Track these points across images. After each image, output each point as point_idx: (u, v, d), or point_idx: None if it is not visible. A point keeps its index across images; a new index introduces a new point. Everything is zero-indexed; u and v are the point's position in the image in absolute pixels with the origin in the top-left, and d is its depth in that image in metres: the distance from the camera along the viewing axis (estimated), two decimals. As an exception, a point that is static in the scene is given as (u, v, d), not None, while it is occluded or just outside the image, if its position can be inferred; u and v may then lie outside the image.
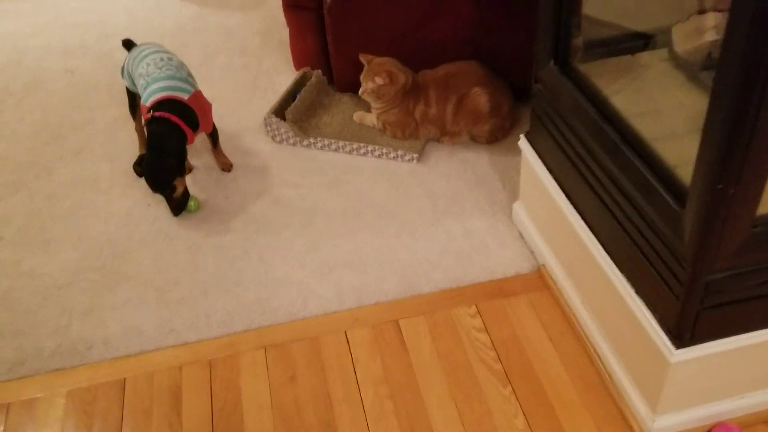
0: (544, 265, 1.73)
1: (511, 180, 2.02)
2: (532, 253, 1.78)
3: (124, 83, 2.10)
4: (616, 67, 1.49)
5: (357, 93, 2.28)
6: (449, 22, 2.11)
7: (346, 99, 2.34)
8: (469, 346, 1.58)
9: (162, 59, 1.99)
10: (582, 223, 1.46)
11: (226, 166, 2.12)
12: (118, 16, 3.07)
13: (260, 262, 1.82)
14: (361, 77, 2.11)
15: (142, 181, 2.09)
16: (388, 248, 1.83)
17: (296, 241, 1.87)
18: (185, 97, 1.93)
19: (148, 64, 1.97)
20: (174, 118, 1.88)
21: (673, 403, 1.28)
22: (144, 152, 1.92)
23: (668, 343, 1.18)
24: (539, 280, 1.72)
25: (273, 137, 2.23)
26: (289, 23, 2.36)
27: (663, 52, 1.49)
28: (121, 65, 2.09)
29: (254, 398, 1.51)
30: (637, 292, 1.27)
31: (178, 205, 1.93)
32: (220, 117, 2.35)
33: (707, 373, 1.24)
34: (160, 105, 1.89)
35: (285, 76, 2.55)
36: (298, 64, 2.45)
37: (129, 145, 2.26)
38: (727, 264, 1.07)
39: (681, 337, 1.17)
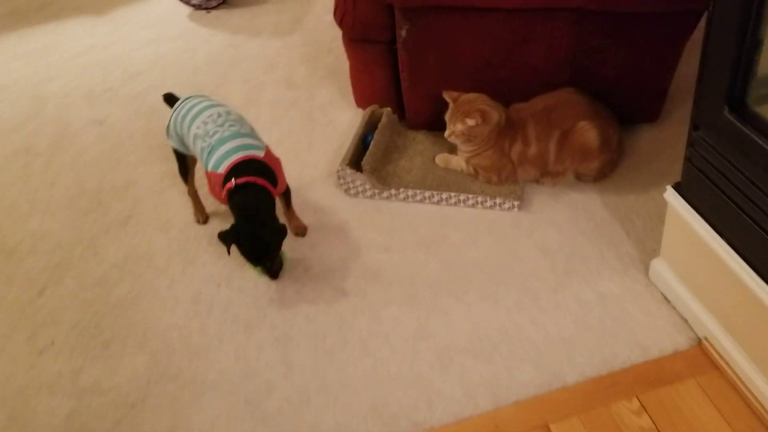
0: (706, 338, 1.45)
1: (633, 225, 1.74)
2: (686, 322, 1.51)
3: (170, 144, 1.82)
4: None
5: (432, 130, 2.02)
6: (544, 47, 1.82)
7: (421, 138, 2.06)
8: (641, 454, 1.31)
9: (219, 114, 1.71)
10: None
11: (301, 230, 1.85)
12: (141, 51, 2.78)
13: (364, 352, 1.55)
14: (447, 117, 1.83)
15: (205, 254, 1.82)
16: (513, 325, 1.56)
17: (402, 322, 1.60)
18: (260, 154, 1.66)
19: (205, 123, 1.69)
20: (260, 181, 1.63)
21: None
22: (236, 223, 1.62)
23: None
24: (704, 358, 1.45)
25: (347, 190, 1.95)
26: (352, 57, 2.06)
27: None
28: (166, 124, 1.80)
29: None
30: None
31: (278, 269, 1.72)
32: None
33: None
34: (238, 169, 1.62)
35: (344, 111, 2.26)
36: (362, 100, 2.16)
37: (181, 209, 1.98)
38: None
39: None
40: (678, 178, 1.42)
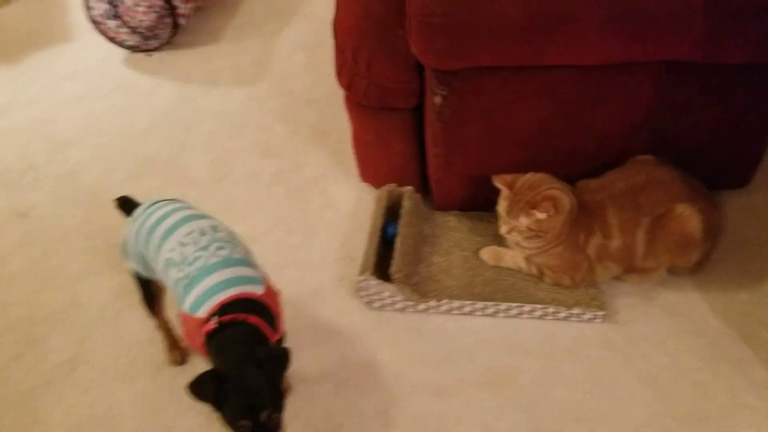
0: None
1: (760, 339, 1.35)
2: None
3: (128, 266, 1.32)
4: None
5: (464, 212, 1.58)
6: (618, 109, 1.41)
7: (454, 222, 1.61)
8: None
9: (203, 231, 1.22)
10: None
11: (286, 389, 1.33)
12: (69, 111, 2.22)
13: None
14: (502, 209, 1.39)
15: (188, 414, 1.31)
16: None
17: None
18: (259, 291, 1.17)
19: (182, 243, 1.20)
20: (253, 319, 1.13)
21: None
22: (218, 368, 1.09)
23: None
24: None
25: (369, 303, 1.49)
26: (359, 125, 1.60)
27: None
28: (123, 239, 1.30)
29: None
30: None
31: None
32: (273, 271, 1.59)
33: None
34: (225, 310, 1.13)
35: (344, 186, 1.79)
36: (371, 176, 1.70)
37: (148, 344, 1.46)
38: None
39: None
40: None
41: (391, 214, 1.60)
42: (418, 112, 1.50)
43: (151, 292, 1.36)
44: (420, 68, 1.39)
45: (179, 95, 2.23)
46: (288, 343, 1.41)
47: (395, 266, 1.44)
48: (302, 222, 1.71)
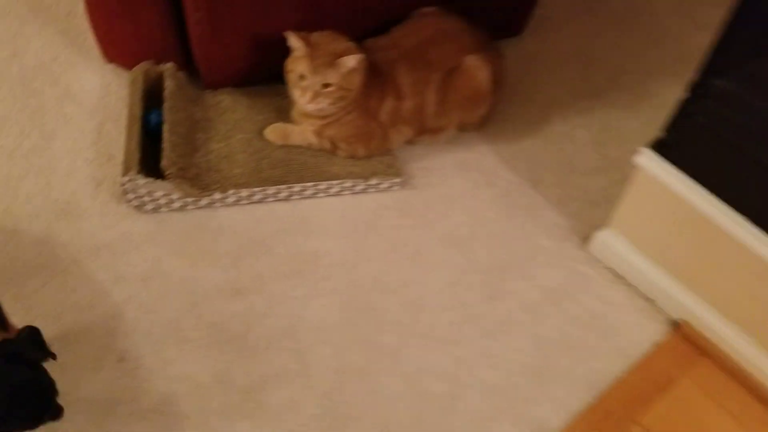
0: (685, 320, 1.19)
1: (546, 184, 1.37)
2: (653, 301, 1.22)
3: None
4: None
5: (238, 88, 1.39)
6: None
7: (228, 102, 1.40)
8: (678, 505, 1.02)
9: None
10: None
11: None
12: None
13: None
14: (301, 71, 1.20)
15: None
16: (460, 368, 1.13)
17: (306, 411, 1.07)
18: None
19: None
20: None
21: None
22: None
23: None
24: (688, 345, 1.18)
25: (141, 206, 1.26)
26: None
27: None
28: None
29: None
30: None
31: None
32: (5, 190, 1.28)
33: None
34: None
35: (84, 71, 1.47)
36: (117, 53, 1.39)
37: None
38: None
39: None
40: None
41: (151, 98, 1.34)
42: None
43: None
44: None
45: None
46: (45, 275, 1.16)
47: (166, 159, 1.21)
48: (36, 120, 1.38)
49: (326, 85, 1.21)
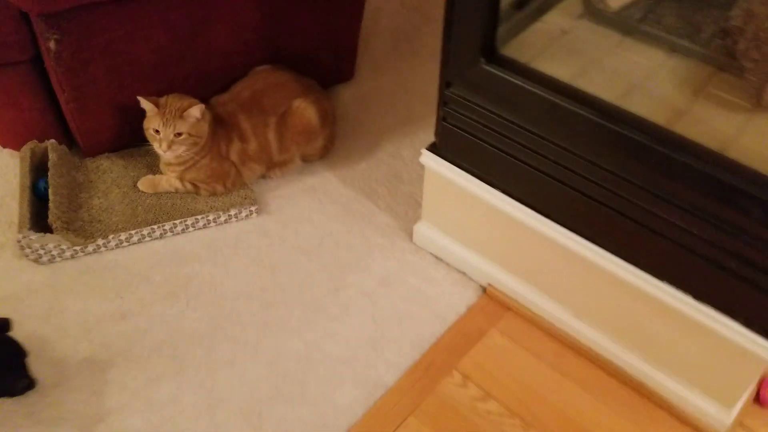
0: (490, 285, 1.47)
1: (378, 195, 1.67)
2: (465, 274, 1.51)
3: None
4: (536, 42, 1.23)
5: (116, 150, 1.66)
6: (229, 27, 1.58)
7: (107, 165, 1.67)
8: (487, 427, 1.28)
9: None
10: (573, 235, 1.23)
11: None
12: None
13: (154, 457, 1.22)
14: (156, 126, 1.48)
15: None
16: (310, 348, 1.38)
17: (184, 399, 1.30)
18: None
19: None
20: None
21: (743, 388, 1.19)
22: None
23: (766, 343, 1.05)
24: (494, 303, 1.46)
25: (37, 259, 1.50)
26: (-23, 87, 1.54)
27: (575, 9, 1.26)
28: None
29: None
30: (701, 300, 1.11)
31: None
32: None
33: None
34: None
35: (-16, 158, 1.72)
36: (9, 139, 1.65)
37: None
38: None
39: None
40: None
41: (40, 170, 1.60)
42: (39, 62, 1.50)
43: None
44: (24, 16, 1.40)
45: None
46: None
47: (51, 215, 1.47)
48: (-56, 202, 1.62)
49: (178, 135, 1.48)
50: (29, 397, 1.29)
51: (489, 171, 1.30)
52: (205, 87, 1.62)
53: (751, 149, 1.02)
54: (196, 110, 1.48)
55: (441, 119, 1.30)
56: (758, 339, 1.07)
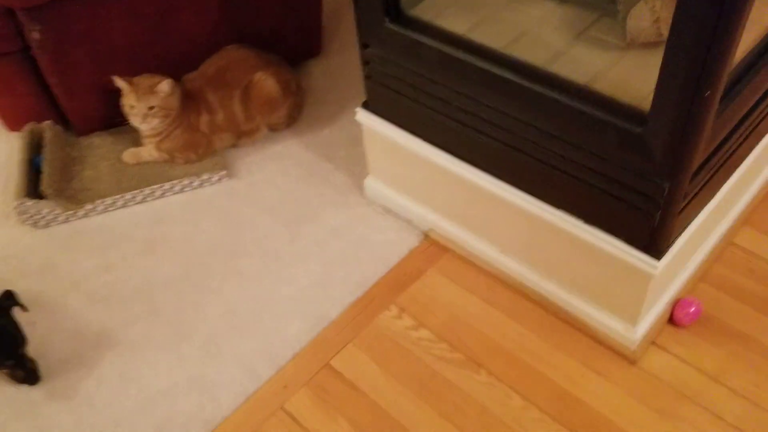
0: (431, 230, 1.60)
1: (337, 156, 1.82)
2: (410, 222, 1.64)
3: None
4: (445, 2, 1.36)
5: (109, 128, 1.86)
6: (194, 13, 1.76)
7: (98, 142, 1.87)
8: (417, 351, 1.42)
9: None
10: (485, 175, 1.35)
11: None
12: None
13: (125, 381, 1.41)
14: (130, 103, 1.67)
15: None
16: (266, 290, 1.55)
17: (155, 336, 1.48)
18: None
19: None
20: None
21: (648, 307, 1.29)
22: None
23: (648, 259, 1.16)
24: (435, 246, 1.60)
25: (35, 224, 1.71)
26: (-19, 77, 1.77)
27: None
28: None
29: None
30: (589, 222, 1.22)
31: (34, 367, 1.42)
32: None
33: (676, 265, 1.25)
34: None
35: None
36: (14, 123, 1.88)
37: None
38: (700, 161, 1.05)
39: (660, 249, 1.15)
40: (357, 100, 1.51)
41: (39, 148, 1.82)
42: (28, 52, 1.72)
43: None
44: (10, 12, 1.61)
45: None
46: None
47: (44, 184, 1.68)
48: (-39, 181, 1.86)
49: (150, 108, 1.67)
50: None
51: (412, 123, 1.44)
52: (177, 67, 1.80)
53: (615, 82, 1.13)
54: (165, 85, 1.66)
55: (366, 77, 1.44)
56: (640, 255, 1.17)
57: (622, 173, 1.09)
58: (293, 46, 1.98)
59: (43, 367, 1.43)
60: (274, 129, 1.88)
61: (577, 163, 1.16)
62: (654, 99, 0.95)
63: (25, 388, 1.40)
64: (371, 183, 1.67)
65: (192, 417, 1.34)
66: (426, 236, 1.61)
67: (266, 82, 1.78)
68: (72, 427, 1.35)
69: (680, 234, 1.18)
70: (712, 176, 1.16)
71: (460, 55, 1.21)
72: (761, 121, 1.26)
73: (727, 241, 1.50)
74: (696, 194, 1.14)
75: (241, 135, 1.84)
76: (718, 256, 1.48)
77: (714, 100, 0.92)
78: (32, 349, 1.44)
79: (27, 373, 1.39)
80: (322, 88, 2.01)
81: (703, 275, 1.46)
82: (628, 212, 1.14)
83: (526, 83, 1.14)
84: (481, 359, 1.39)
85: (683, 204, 1.10)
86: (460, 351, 1.41)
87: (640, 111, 1.00)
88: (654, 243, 1.14)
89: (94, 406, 1.38)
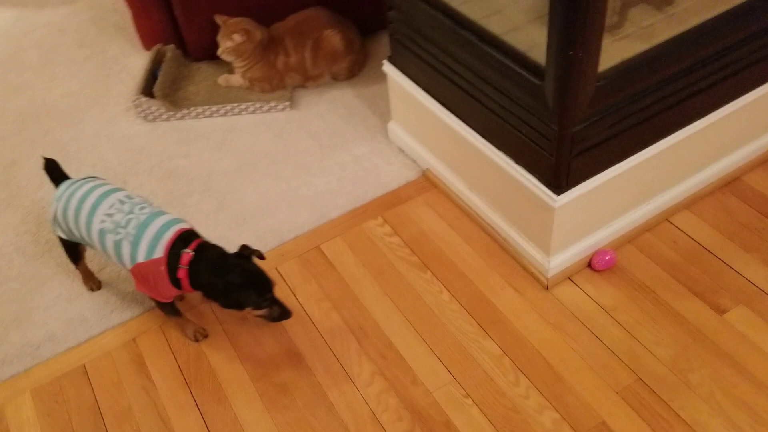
0: (428, 169, 1.98)
1: (378, 106, 2.24)
2: (415, 162, 2.03)
3: (57, 233, 1.62)
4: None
5: (214, 59, 2.38)
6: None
7: (205, 67, 2.42)
8: (386, 250, 1.80)
9: (121, 201, 1.51)
10: (457, 120, 1.71)
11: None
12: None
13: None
14: (218, 38, 2.20)
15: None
16: (291, 189, 2.00)
17: (203, 204, 1.98)
18: (188, 225, 1.51)
19: (109, 214, 1.49)
20: (203, 242, 1.49)
21: (561, 243, 1.59)
22: (222, 272, 1.44)
23: (550, 193, 1.48)
24: (427, 182, 1.97)
25: (146, 117, 2.28)
26: (131, 5, 2.38)
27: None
28: (52, 213, 1.58)
29: (213, 344, 1.65)
30: (516, 161, 1.55)
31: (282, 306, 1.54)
32: (83, 111, 2.36)
33: (583, 210, 1.56)
34: (179, 244, 1.45)
35: (135, 57, 2.56)
36: (147, 42, 2.48)
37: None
38: (584, 115, 1.36)
39: (559, 185, 1.46)
40: None
41: (160, 64, 2.39)
42: (165, -11, 2.29)
43: (77, 251, 1.68)
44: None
45: (16, 16, 2.92)
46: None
47: (156, 88, 2.24)
48: (105, 82, 2.48)
49: (227, 47, 2.19)
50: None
51: (418, 76, 1.82)
52: (270, 16, 2.29)
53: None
54: (237, 36, 2.16)
55: (390, 35, 1.85)
56: (543, 187, 1.49)
57: (531, 117, 1.42)
58: (367, 16, 2.42)
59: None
60: (336, 78, 2.34)
61: (506, 108, 1.49)
62: (546, 57, 1.29)
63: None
64: (392, 126, 2.07)
65: (211, 260, 1.82)
66: (423, 173, 1.99)
67: (333, 38, 2.24)
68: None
69: (584, 180, 1.49)
70: (614, 136, 1.45)
71: (446, 20, 1.58)
72: (680, 102, 1.51)
73: (663, 218, 1.75)
74: (595, 146, 1.44)
75: (308, 78, 2.31)
76: (651, 227, 1.74)
77: (585, 62, 1.24)
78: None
79: (282, 309, 1.51)
80: (384, 54, 2.43)
81: (632, 238, 1.72)
82: (535, 150, 1.46)
83: (476, 41, 1.48)
84: (431, 264, 1.75)
85: (578, 149, 1.41)
86: (417, 256, 1.78)
87: (543, 67, 1.33)
88: (555, 179, 1.46)
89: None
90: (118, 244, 1.46)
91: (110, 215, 1.48)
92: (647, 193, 1.68)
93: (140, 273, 1.46)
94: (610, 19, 1.43)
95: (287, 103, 2.26)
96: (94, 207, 1.50)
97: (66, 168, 1.66)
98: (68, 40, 2.72)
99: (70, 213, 1.53)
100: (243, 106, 2.26)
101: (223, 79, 2.33)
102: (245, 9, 2.28)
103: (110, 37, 2.71)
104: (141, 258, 1.44)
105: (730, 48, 1.49)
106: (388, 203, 1.93)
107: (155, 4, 2.32)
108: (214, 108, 2.26)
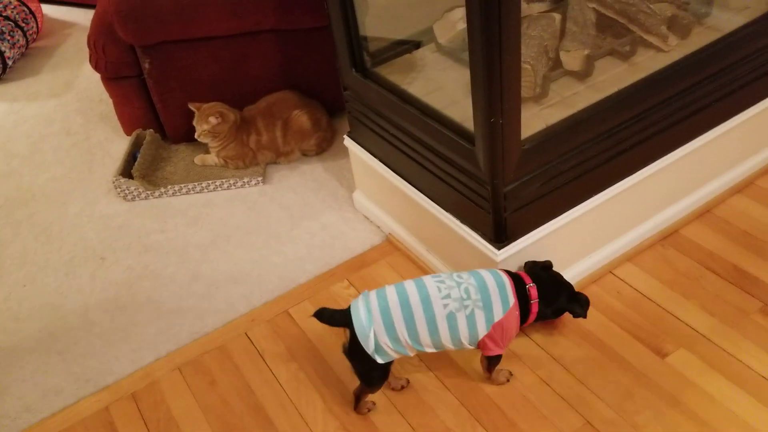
0: (390, 233, 2.10)
1: (345, 178, 2.39)
2: (379, 227, 2.15)
3: (381, 360, 1.49)
4: (403, 64, 1.91)
5: (192, 141, 2.55)
6: (259, 62, 2.45)
7: (182, 148, 2.58)
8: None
9: (440, 280, 1.49)
10: (410, 187, 1.85)
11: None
12: None
13: (149, 302, 2.01)
14: (195, 122, 2.37)
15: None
16: (262, 258, 2.11)
17: (177, 276, 2.09)
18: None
19: (447, 296, 1.46)
20: (524, 273, 1.60)
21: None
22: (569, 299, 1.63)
23: (491, 248, 1.59)
24: (390, 246, 2.09)
25: (125, 197, 2.42)
26: (112, 94, 2.56)
27: (432, 46, 1.93)
28: (372, 342, 1.46)
29: (184, 408, 1.71)
30: (462, 221, 1.68)
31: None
32: (67, 194, 2.49)
33: (521, 261, 1.67)
34: (520, 283, 1.54)
35: (117, 143, 2.73)
36: (128, 129, 2.65)
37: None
38: (515, 176, 1.50)
39: (500, 240, 1.58)
40: None
41: (139, 146, 2.55)
42: (143, 77, 2.47)
43: (388, 370, 1.54)
44: (132, 47, 2.37)
45: (7, 110, 3.11)
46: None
47: (135, 169, 2.39)
48: (89, 165, 2.63)
49: (204, 130, 2.35)
50: (106, 290, 2.16)
51: (373, 147, 1.97)
52: (243, 100, 2.47)
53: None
54: (212, 119, 2.33)
55: (348, 113, 2.01)
56: (485, 243, 1.61)
57: (469, 179, 1.56)
58: (333, 97, 2.60)
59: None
60: (306, 154, 2.50)
61: (448, 173, 1.63)
62: (473, 125, 1.44)
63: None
64: (357, 196, 2.21)
65: (183, 331, 1.91)
66: (387, 238, 2.11)
67: (301, 118, 2.41)
68: (108, 321, 1.96)
69: (523, 234, 1.61)
70: (547, 193, 1.58)
71: (392, 97, 1.74)
72: (608, 161, 1.65)
73: (607, 270, 1.87)
74: (530, 203, 1.57)
75: (280, 155, 2.46)
76: (596, 279, 1.85)
77: (508, 127, 1.39)
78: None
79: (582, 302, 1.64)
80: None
81: (578, 290, 1.83)
82: (475, 209, 1.59)
83: (419, 114, 1.64)
84: (392, 323, 1.84)
85: (513, 206, 1.54)
86: (379, 315, 1.87)
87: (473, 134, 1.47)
88: (496, 234, 1.58)
89: (122, 314, 1.99)
90: (471, 318, 1.44)
91: (448, 296, 1.44)
92: (589, 246, 1.80)
93: (501, 329, 1.47)
94: (534, 90, 1.60)
95: (260, 179, 2.41)
96: (426, 302, 1.44)
97: (48, 247, 1.79)
98: (56, 129, 2.89)
99: (399, 327, 1.44)
100: (218, 183, 2.40)
101: (199, 158, 2.49)
102: (219, 94, 2.46)
103: (95, 125, 2.88)
104: (500, 314, 1.46)
105: (648, 111, 1.65)
106: (354, 266, 2.04)
107: (134, 94, 2.50)
108: (191, 185, 2.40)
